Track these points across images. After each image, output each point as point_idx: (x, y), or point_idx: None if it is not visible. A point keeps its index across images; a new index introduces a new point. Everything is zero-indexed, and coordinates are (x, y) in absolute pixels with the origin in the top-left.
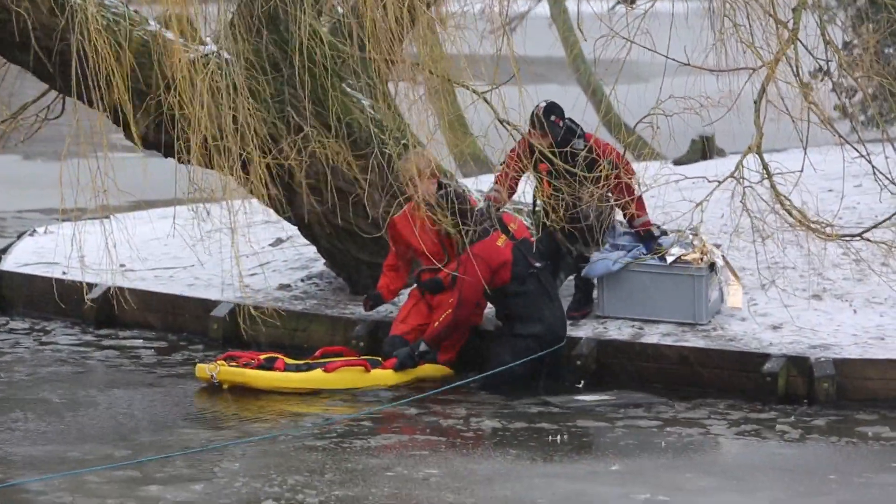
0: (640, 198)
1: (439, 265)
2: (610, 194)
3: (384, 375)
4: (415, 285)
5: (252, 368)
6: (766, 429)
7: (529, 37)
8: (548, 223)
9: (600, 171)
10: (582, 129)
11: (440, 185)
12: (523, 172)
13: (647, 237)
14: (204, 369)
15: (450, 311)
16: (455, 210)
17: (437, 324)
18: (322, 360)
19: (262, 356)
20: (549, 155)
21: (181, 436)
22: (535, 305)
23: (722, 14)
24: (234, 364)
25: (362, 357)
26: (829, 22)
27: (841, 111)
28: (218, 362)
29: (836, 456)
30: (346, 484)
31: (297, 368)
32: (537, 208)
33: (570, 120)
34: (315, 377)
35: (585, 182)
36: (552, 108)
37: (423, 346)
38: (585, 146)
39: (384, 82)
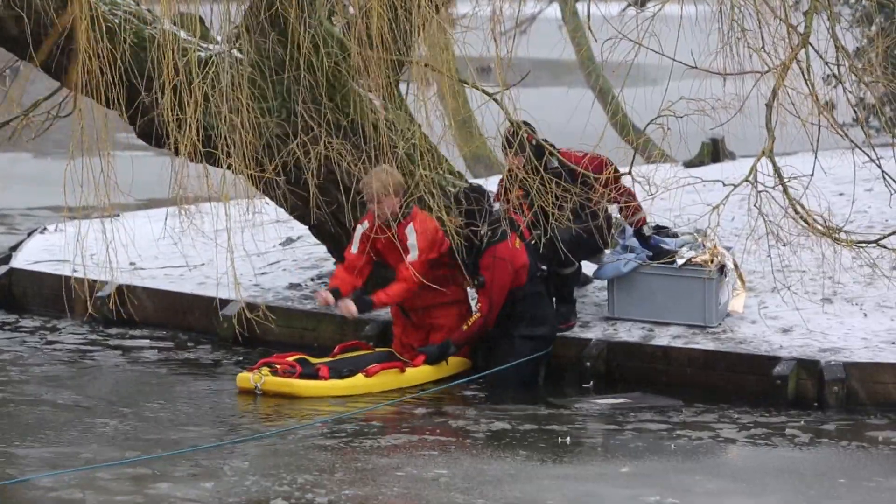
0: (633, 195)
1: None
2: (591, 202)
3: (419, 373)
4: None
5: (296, 378)
6: (775, 432)
7: (540, 39)
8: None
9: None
10: (554, 146)
11: (470, 192)
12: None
13: (640, 237)
14: (247, 379)
15: (479, 315)
16: (473, 211)
17: (466, 328)
18: (348, 357)
19: (290, 358)
20: (523, 174)
21: (190, 434)
22: (542, 307)
23: (730, 17)
24: (274, 371)
25: (375, 348)
26: (839, 24)
27: (855, 116)
28: (262, 371)
29: (847, 460)
30: (355, 483)
31: (340, 375)
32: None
33: (543, 140)
34: (358, 383)
35: (564, 198)
36: (530, 127)
37: (452, 349)
38: (559, 162)
39: (395, 82)
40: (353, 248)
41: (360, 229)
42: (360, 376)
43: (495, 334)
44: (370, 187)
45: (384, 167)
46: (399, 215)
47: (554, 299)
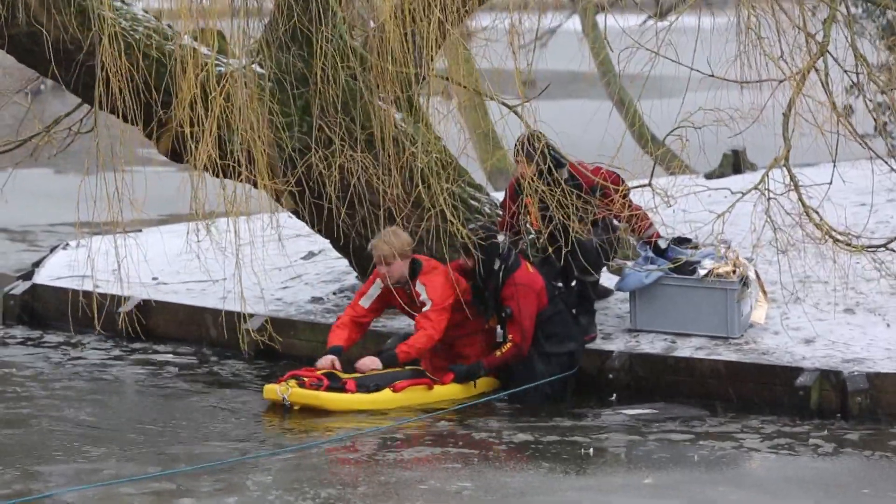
0: (643, 212)
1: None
2: (599, 218)
3: (447, 391)
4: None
5: (323, 390)
6: (799, 443)
7: (560, 52)
8: (537, 252)
9: (587, 197)
10: (565, 158)
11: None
12: (510, 212)
13: (657, 251)
14: (274, 391)
15: (512, 344)
16: (485, 247)
17: (500, 354)
18: (377, 373)
19: (319, 371)
20: (533, 182)
21: (213, 448)
22: (566, 324)
23: (746, 27)
24: (301, 384)
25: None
26: (858, 34)
27: (876, 126)
28: (289, 383)
29: (870, 470)
30: (379, 497)
31: (367, 389)
32: (531, 236)
33: (554, 150)
34: (385, 398)
35: (573, 211)
36: (537, 137)
37: (482, 371)
38: (569, 174)
39: (415, 96)
40: (365, 303)
41: (375, 287)
42: (387, 391)
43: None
44: (379, 251)
45: (392, 229)
46: (406, 278)
47: (574, 311)
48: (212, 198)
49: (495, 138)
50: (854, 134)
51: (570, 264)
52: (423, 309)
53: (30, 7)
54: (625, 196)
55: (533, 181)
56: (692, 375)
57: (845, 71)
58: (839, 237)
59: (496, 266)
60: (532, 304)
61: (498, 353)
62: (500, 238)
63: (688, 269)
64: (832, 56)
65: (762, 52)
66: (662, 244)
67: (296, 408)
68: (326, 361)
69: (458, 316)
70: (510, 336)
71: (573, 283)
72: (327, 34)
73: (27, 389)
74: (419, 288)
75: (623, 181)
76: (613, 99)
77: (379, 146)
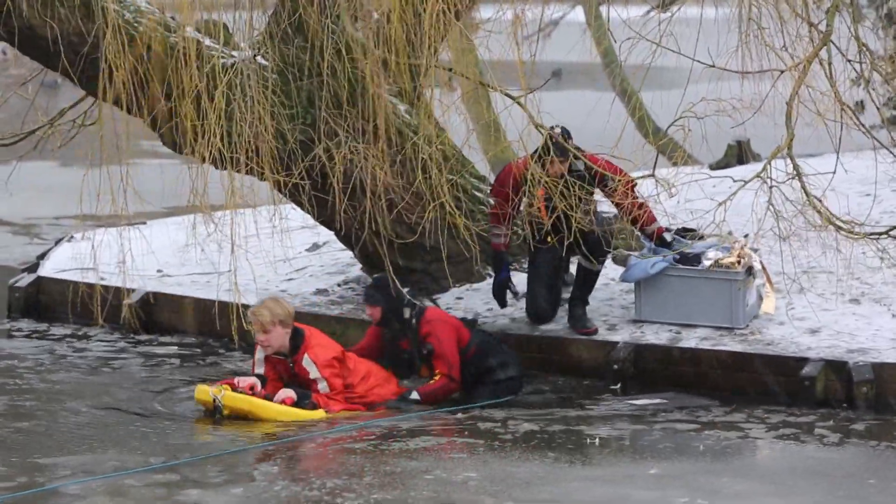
0: (646, 206)
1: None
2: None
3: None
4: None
5: (256, 397)
6: (804, 433)
7: (564, 43)
8: (544, 238)
9: (605, 185)
10: (580, 149)
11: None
12: (513, 204)
13: (662, 243)
14: (206, 391)
15: (441, 377)
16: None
17: (432, 382)
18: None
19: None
20: (552, 182)
21: (218, 439)
22: (500, 351)
23: (748, 17)
24: (234, 389)
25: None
26: (860, 23)
27: (881, 117)
28: (222, 386)
29: (876, 460)
30: (385, 487)
31: (303, 406)
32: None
33: (576, 148)
34: (318, 416)
35: (587, 199)
36: (568, 132)
37: (415, 397)
38: (585, 165)
39: (419, 87)
40: (260, 369)
41: (260, 351)
42: (321, 411)
43: (472, 383)
44: (258, 317)
45: (273, 297)
46: (286, 348)
47: (575, 302)
48: (217, 190)
49: (498, 129)
50: (857, 123)
51: (572, 252)
52: (319, 387)
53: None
54: (633, 188)
55: (547, 176)
56: (697, 366)
57: (848, 60)
58: (841, 224)
59: (407, 315)
60: (451, 337)
61: (431, 381)
62: (406, 290)
63: (692, 259)
64: (835, 45)
65: (763, 42)
66: (668, 237)
67: (225, 412)
68: (248, 381)
69: (362, 368)
70: (437, 371)
71: (575, 272)
72: (331, 25)
73: (31, 382)
74: (307, 364)
75: (625, 173)
76: (616, 89)
77: (382, 137)
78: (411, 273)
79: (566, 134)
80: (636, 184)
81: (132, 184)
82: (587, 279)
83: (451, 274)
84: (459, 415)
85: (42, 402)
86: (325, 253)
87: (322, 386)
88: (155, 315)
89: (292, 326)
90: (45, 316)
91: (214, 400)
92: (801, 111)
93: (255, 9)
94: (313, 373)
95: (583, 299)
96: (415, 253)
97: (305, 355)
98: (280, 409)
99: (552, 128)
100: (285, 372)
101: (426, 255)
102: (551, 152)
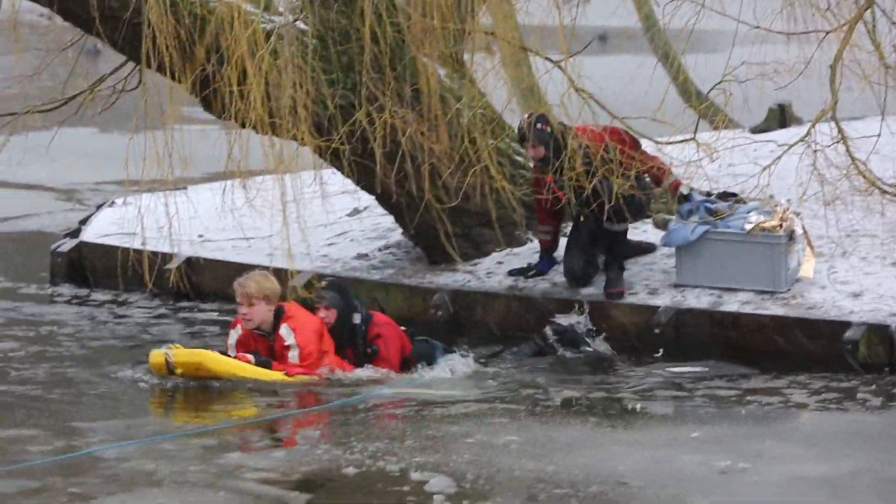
0: (653, 165)
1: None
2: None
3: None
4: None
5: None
6: (847, 397)
7: (605, 7)
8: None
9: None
10: (570, 127)
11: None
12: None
13: (681, 199)
14: (158, 353)
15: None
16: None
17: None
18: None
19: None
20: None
21: (258, 403)
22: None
23: None
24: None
25: None
26: None
27: None
28: (172, 345)
29: None
30: (426, 450)
31: (259, 363)
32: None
33: (560, 123)
34: (274, 376)
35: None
36: (539, 118)
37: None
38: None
39: (459, 52)
40: (232, 354)
41: (233, 334)
42: (279, 373)
43: None
44: (244, 288)
45: (262, 272)
46: (269, 325)
47: (608, 265)
48: (257, 155)
49: (539, 93)
50: None
51: (599, 217)
52: (289, 354)
53: None
54: (636, 148)
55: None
56: (738, 330)
57: (893, 23)
58: (886, 188)
59: (356, 320)
60: (396, 343)
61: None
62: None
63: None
64: (879, 7)
65: (809, 3)
66: (685, 191)
67: (178, 371)
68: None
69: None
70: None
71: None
72: None
73: (71, 349)
74: (284, 332)
75: (628, 133)
76: (658, 54)
77: (424, 102)
78: (453, 238)
79: (540, 119)
80: (639, 145)
81: (177, 148)
82: (612, 241)
83: (493, 238)
84: (495, 380)
85: (81, 369)
86: (365, 218)
87: (293, 354)
88: (196, 280)
89: (276, 305)
90: (86, 281)
91: (167, 357)
92: (845, 74)
93: None
94: (289, 339)
95: (616, 262)
96: (456, 218)
97: (284, 325)
98: (233, 363)
99: (530, 115)
100: (264, 351)
101: (469, 220)
102: (527, 138)
